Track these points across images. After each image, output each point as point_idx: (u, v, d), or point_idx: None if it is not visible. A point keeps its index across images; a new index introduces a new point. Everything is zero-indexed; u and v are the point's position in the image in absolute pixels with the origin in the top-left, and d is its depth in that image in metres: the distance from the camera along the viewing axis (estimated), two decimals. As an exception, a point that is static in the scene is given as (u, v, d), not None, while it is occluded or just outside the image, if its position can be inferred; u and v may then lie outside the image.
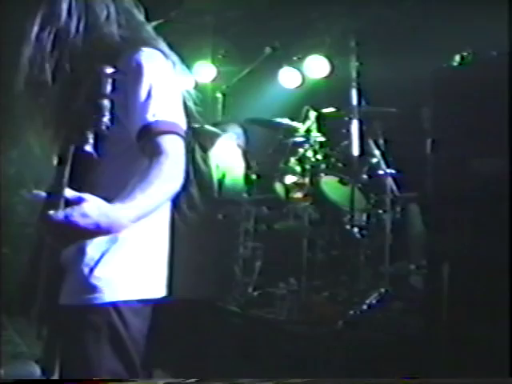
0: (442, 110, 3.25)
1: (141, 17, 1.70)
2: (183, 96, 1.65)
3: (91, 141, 1.32)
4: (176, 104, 1.58)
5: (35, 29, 1.57)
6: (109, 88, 1.35)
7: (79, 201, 1.29)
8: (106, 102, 1.34)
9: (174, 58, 1.67)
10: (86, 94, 1.36)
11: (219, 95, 4.79)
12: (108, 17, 1.62)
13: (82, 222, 1.28)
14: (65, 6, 1.59)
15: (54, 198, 1.29)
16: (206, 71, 6.23)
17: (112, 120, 1.35)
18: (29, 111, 1.62)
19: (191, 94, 1.70)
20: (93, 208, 1.29)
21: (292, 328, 3.62)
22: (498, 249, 2.83)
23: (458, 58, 3.22)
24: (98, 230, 1.30)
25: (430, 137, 3.34)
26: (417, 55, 4.52)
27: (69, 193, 1.30)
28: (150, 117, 1.49)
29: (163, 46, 1.66)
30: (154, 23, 1.73)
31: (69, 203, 1.29)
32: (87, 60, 1.47)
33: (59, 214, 1.27)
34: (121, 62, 1.50)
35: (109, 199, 1.34)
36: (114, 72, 1.36)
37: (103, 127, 1.33)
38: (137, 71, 1.52)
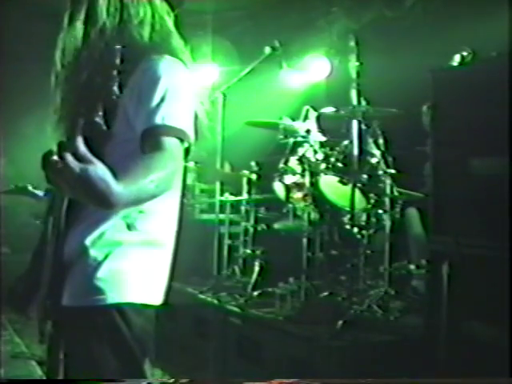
0: (441, 110, 3.24)
1: (172, 26, 1.72)
2: (195, 114, 1.64)
3: (101, 112, 1.30)
4: (188, 114, 1.57)
5: (74, 22, 1.59)
6: (118, 60, 1.34)
7: (88, 160, 1.23)
8: (114, 72, 1.33)
9: (196, 70, 1.68)
10: (94, 68, 1.34)
11: (219, 95, 4.77)
12: (142, 20, 1.63)
13: (80, 174, 1.21)
14: (104, 3, 1.60)
15: (70, 144, 1.23)
16: (206, 71, 6.23)
17: (120, 88, 1.33)
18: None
19: (202, 122, 1.69)
20: (95, 172, 1.22)
21: (292, 328, 3.61)
22: (498, 249, 2.83)
23: (458, 57, 3.22)
24: (91, 193, 1.23)
25: (430, 137, 3.34)
26: (417, 55, 4.52)
27: (82, 148, 1.23)
28: (159, 120, 1.49)
29: (188, 58, 1.68)
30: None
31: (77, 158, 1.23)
32: (111, 54, 1.47)
33: (68, 157, 1.20)
34: (143, 65, 1.52)
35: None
36: (123, 47, 1.36)
37: (113, 96, 1.31)
38: (155, 76, 1.52)
